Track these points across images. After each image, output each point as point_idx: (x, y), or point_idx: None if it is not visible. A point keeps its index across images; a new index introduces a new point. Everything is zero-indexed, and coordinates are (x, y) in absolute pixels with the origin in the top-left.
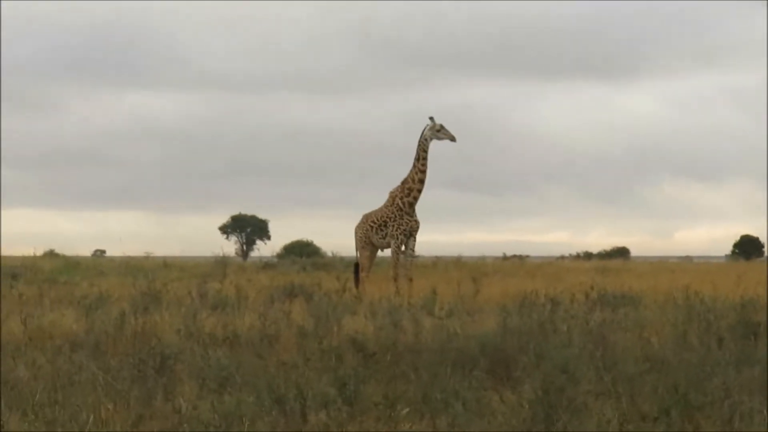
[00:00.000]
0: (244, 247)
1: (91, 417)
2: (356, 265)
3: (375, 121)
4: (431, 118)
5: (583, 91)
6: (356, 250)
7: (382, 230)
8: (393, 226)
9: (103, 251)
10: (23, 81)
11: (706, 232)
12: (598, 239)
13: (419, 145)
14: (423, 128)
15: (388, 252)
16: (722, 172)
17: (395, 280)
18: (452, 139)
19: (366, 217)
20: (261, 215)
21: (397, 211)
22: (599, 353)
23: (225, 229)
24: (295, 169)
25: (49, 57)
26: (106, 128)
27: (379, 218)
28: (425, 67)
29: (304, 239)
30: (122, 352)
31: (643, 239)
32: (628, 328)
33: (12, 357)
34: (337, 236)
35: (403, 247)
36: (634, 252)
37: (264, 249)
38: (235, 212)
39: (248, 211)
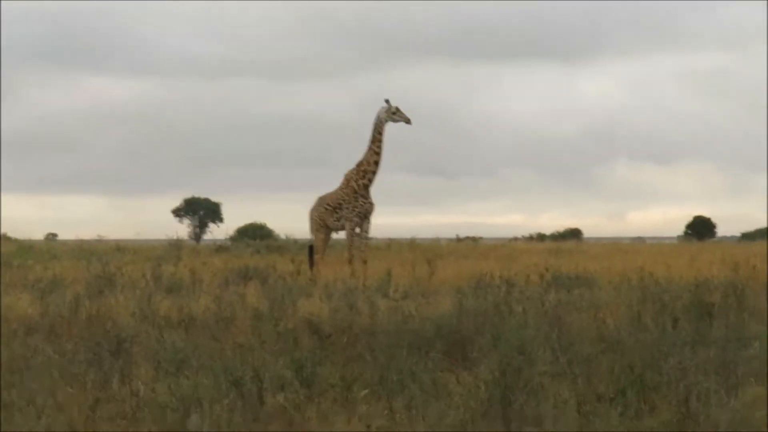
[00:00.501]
0: (198, 230)
1: (48, 400)
2: (311, 248)
3: (330, 105)
4: (387, 101)
5: (540, 74)
6: (311, 232)
7: (336, 212)
8: (348, 208)
9: (56, 235)
10: None
11: (659, 214)
12: (551, 221)
13: (374, 127)
14: (378, 110)
15: (342, 234)
16: (677, 154)
17: (350, 262)
18: (407, 121)
19: (321, 200)
20: (214, 198)
21: (352, 193)
22: (555, 334)
23: (178, 212)
24: (249, 153)
25: (6, 42)
26: (60, 113)
27: (334, 201)
28: (381, 51)
29: (258, 222)
30: (77, 336)
31: (596, 221)
32: (583, 309)
33: None
34: (290, 219)
35: (357, 230)
36: (587, 233)
37: (217, 232)
38: (188, 195)
39: (201, 195)
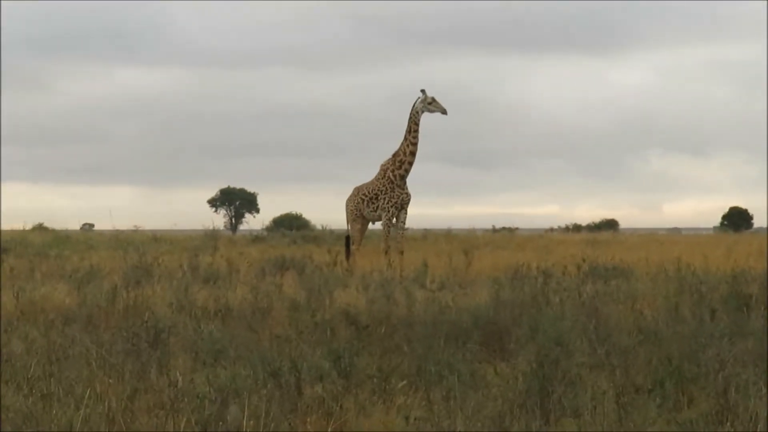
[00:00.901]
0: (233, 221)
1: (87, 391)
2: (347, 238)
3: (366, 96)
4: (423, 91)
5: (574, 65)
6: (347, 222)
7: (373, 203)
8: (384, 198)
9: (92, 225)
10: (13, 57)
11: (694, 205)
12: (587, 212)
13: (410, 117)
14: (414, 101)
15: (379, 225)
16: (711, 145)
17: (386, 253)
18: (443, 112)
19: (357, 190)
20: (250, 189)
21: (389, 183)
22: (592, 325)
23: (214, 203)
24: (284, 143)
25: (40, 33)
26: (95, 104)
27: (370, 191)
28: (416, 42)
29: (294, 212)
30: (115, 326)
31: (631, 212)
32: (620, 300)
33: (5, 331)
34: (326, 209)
35: (394, 220)
36: (623, 224)
37: (253, 222)
38: (224, 186)
39: (237, 185)
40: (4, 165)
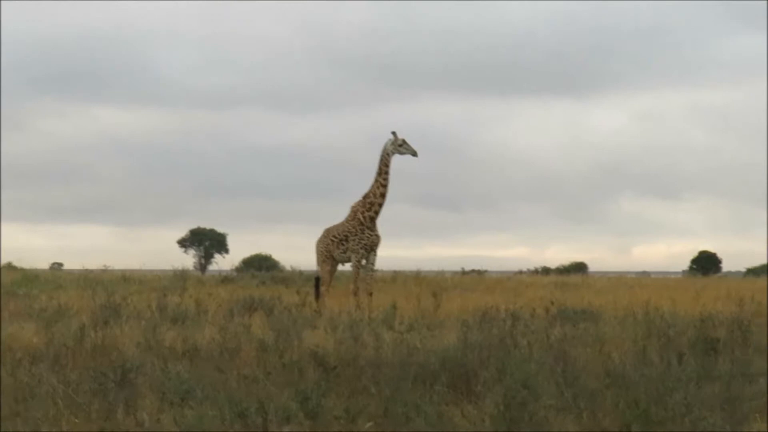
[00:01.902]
0: (203, 261)
1: (53, 430)
2: (317, 279)
3: (337, 138)
4: (393, 133)
5: (550, 108)
6: (317, 264)
7: (343, 244)
8: (354, 240)
9: (61, 264)
10: None
11: (664, 248)
12: (557, 254)
13: (381, 159)
14: (385, 143)
15: (348, 266)
16: (683, 189)
17: (355, 294)
18: (414, 153)
19: (327, 232)
20: (219, 229)
21: (358, 225)
22: (560, 368)
23: (183, 243)
24: (255, 184)
25: (15, 71)
26: (67, 143)
27: (340, 233)
28: (390, 84)
29: (263, 253)
30: (82, 366)
31: (602, 255)
32: (588, 343)
33: None
34: (296, 251)
35: (363, 262)
36: (592, 267)
37: (222, 262)
38: (194, 226)
39: (207, 225)
40: None
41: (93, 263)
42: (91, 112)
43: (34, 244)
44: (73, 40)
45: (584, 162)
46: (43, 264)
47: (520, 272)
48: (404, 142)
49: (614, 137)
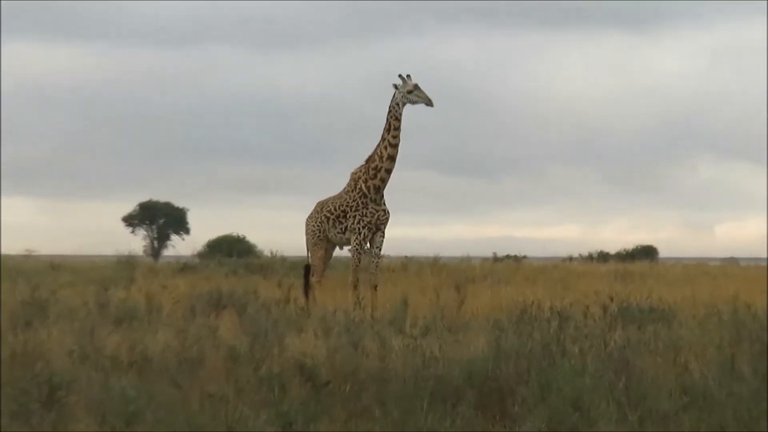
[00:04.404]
0: (156, 244)
1: None
2: (306, 268)
3: (333, 83)
4: (401, 76)
5: (602, 44)
6: (307, 248)
7: (340, 222)
8: (355, 217)
9: None
10: None
11: (755, 227)
12: (617, 235)
13: (389, 111)
14: (394, 92)
15: (347, 250)
16: None
17: (355, 287)
18: (428, 102)
19: (321, 206)
20: (177, 203)
21: (361, 197)
22: (622, 384)
23: (131, 221)
24: (226, 143)
25: None
26: None
27: (337, 207)
28: (398, 14)
29: (234, 234)
30: None
31: (675, 235)
32: (658, 351)
33: None
34: (278, 231)
35: (366, 245)
36: (663, 252)
37: (181, 246)
38: (145, 198)
39: (161, 197)
40: None
41: (12, 247)
42: (3, 48)
43: None
44: None
45: (646, 115)
46: None
47: (570, 258)
48: (416, 87)
49: (684, 83)
